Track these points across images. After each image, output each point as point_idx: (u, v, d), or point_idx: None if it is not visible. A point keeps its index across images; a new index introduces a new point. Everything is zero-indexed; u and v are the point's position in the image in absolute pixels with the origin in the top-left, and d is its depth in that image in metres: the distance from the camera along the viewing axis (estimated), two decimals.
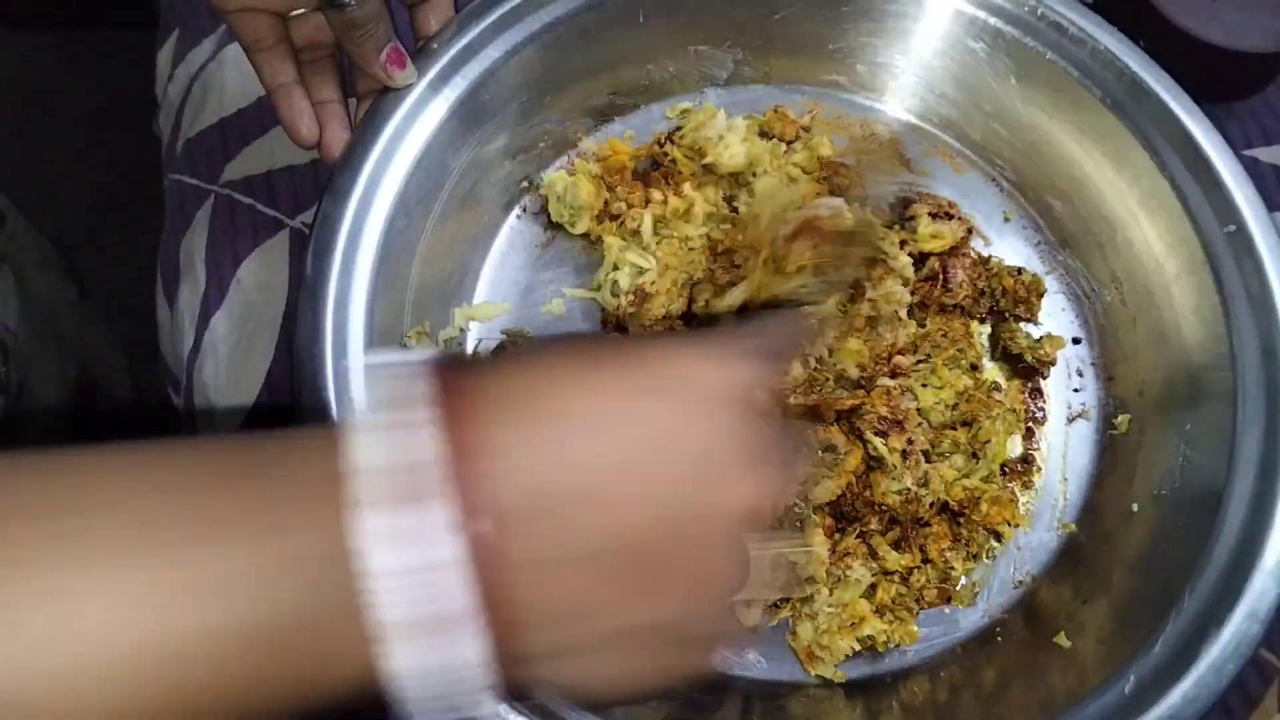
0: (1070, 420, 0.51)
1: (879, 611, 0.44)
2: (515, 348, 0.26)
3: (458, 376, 0.23)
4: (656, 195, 0.51)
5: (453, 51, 0.46)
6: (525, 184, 0.53)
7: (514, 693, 0.23)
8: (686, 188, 0.52)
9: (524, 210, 0.53)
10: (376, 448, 0.21)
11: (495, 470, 0.22)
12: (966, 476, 0.47)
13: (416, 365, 0.23)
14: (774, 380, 0.29)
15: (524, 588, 0.22)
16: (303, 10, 0.42)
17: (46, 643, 0.19)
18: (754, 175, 0.52)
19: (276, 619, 0.21)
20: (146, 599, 0.20)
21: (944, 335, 0.49)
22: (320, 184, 0.54)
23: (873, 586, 0.44)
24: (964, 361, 0.49)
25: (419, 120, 0.45)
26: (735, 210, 0.52)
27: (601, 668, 0.24)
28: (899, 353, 0.48)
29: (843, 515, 0.45)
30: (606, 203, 0.52)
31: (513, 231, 0.52)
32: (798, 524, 0.44)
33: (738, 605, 0.27)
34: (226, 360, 0.52)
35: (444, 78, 0.46)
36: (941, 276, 0.50)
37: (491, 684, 0.22)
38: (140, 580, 0.20)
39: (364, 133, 0.44)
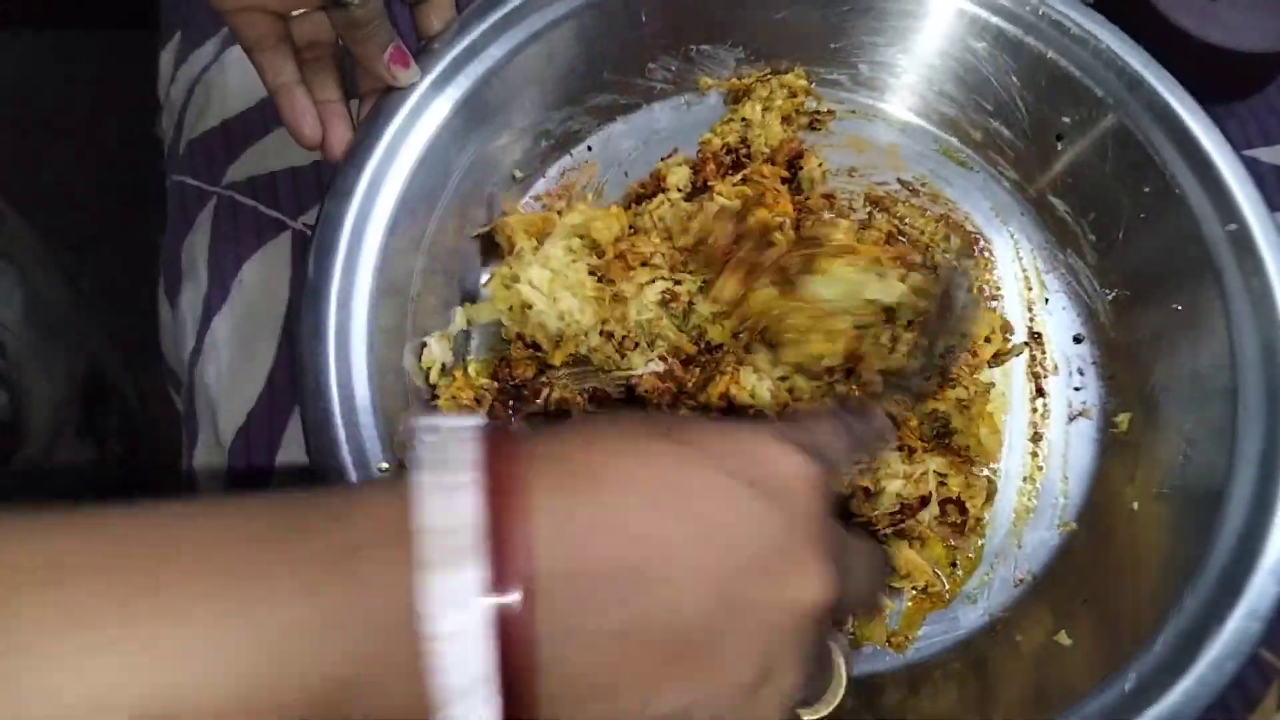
0: (1071, 419, 0.51)
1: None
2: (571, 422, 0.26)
3: (506, 439, 0.22)
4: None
5: (455, 51, 0.46)
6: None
7: None
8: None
9: None
10: (434, 510, 0.21)
11: (534, 534, 0.21)
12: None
13: (465, 428, 0.23)
14: (838, 479, 0.27)
15: (547, 659, 0.21)
16: (304, 9, 0.42)
17: (126, 689, 0.19)
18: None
19: (345, 672, 0.20)
20: (227, 650, 0.20)
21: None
22: (322, 185, 0.54)
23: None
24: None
25: (421, 120, 0.45)
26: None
27: None
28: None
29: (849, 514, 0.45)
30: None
31: None
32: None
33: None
34: (228, 362, 0.52)
35: (446, 77, 0.46)
36: None
37: None
38: (222, 631, 0.20)
39: (367, 132, 0.44)
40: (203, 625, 0.20)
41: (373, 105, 0.45)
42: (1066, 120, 0.52)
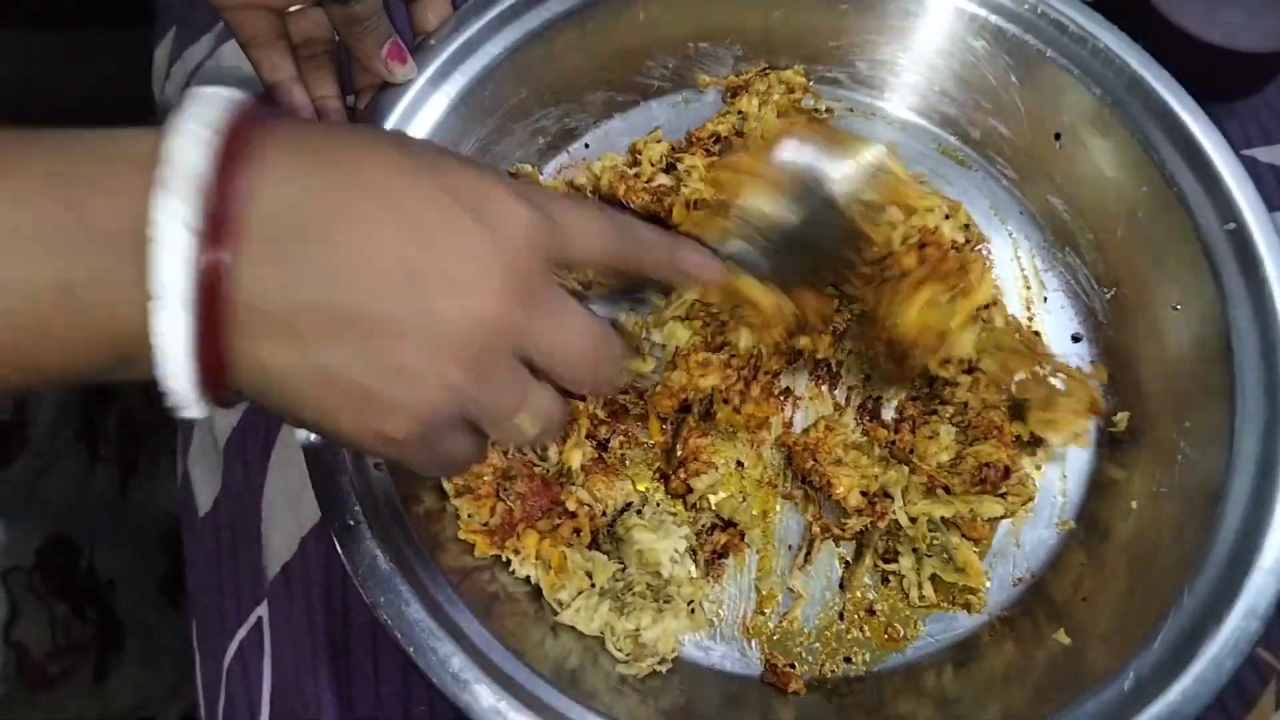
0: None
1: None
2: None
3: (259, 113, 0.25)
4: None
5: (452, 47, 0.46)
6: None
7: (222, 386, 0.25)
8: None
9: None
10: (178, 148, 0.24)
11: (257, 190, 0.24)
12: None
13: (224, 96, 0.25)
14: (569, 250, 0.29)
15: (246, 299, 0.24)
16: (301, 5, 0.41)
17: None
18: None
19: (74, 274, 0.23)
20: None
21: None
22: None
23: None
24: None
25: (418, 116, 0.45)
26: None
27: (306, 399, 0.26)
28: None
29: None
30: None
31: None
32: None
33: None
34: None
35: (443, 74, 0.46)
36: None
37: (197, 372, 0.24)
38: None
39: None
40: None
41: (369, 101, 0.45)
42: (1065, 119, 0.52)
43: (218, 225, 0.23)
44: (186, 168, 0.23)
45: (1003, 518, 0.46)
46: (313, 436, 0.39)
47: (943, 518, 0.44)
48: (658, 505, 0.45)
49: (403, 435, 0.26)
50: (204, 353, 0.24)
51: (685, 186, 0.48)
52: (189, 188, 0.23)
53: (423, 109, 0.45)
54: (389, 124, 0.44)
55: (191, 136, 0.24)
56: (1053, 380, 0.47)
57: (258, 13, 0.41)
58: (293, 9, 0.42)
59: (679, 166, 0.50)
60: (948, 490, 0.45)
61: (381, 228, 0.25)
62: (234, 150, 0.24)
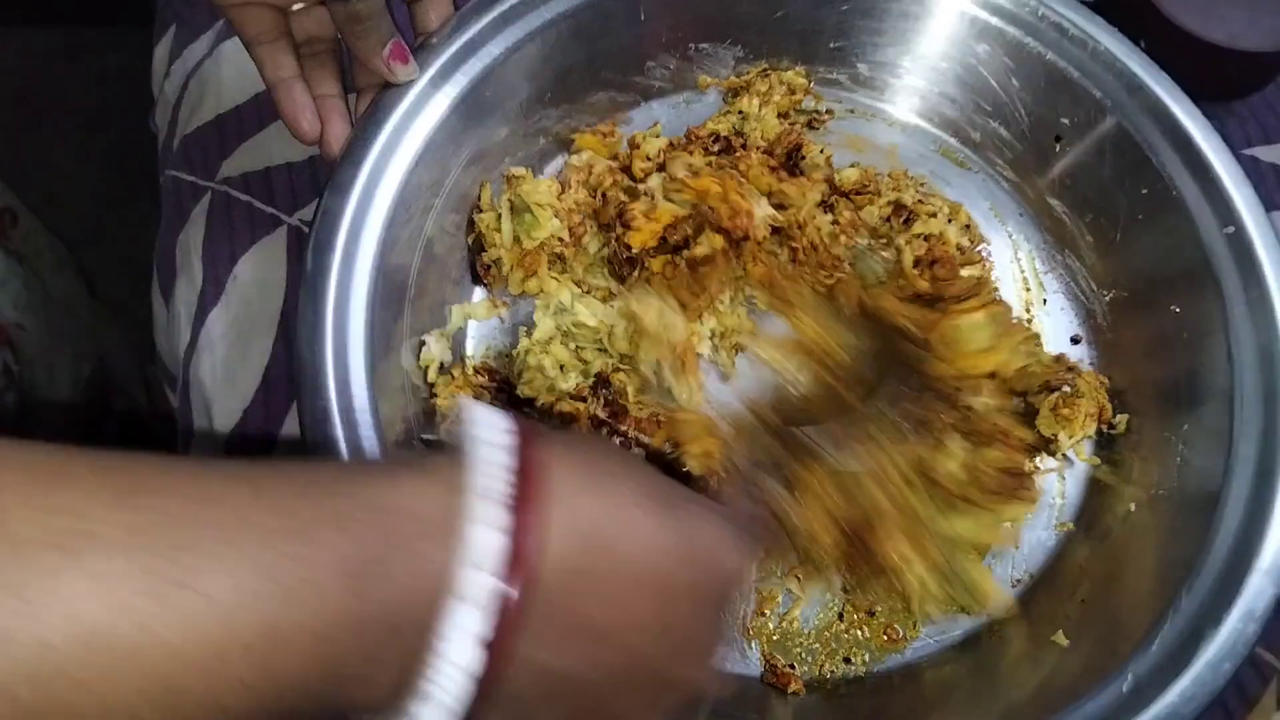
0: None
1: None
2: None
3: (536, 450, 0.25)
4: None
5: (454, 48, 0.46)
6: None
7: None
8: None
9: None
10: (483, 538, 0.23)
11: (548, 542, 0.24)
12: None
13: (502, 430, 0.25)
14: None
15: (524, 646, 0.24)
16: (303, 4, 0.41)
17: (172, 617, 0.20)
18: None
19: (342, 637, 0.22)
20: (259, 588, 0.21)
21: None
22: (318, 181, 0.54)
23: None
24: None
25: (420, 116, 0.45)
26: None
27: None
28: None
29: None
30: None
31: None
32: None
33: None
34: (223, 358, 0.52)
35: (445, 74, 0.46)
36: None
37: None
38: (253, 569, 0.21)
39: (365, 128, 0.44)
40: (241, 564, 0.21)
41: (371, 101, 0.45)
42: (1065, 122, 0.52)
43: (511, 563, 0.23)
44: (487, 557, 0.23)
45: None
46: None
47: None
48: None
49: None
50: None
51: (658, 199, 0.49)
52: (484, 592, 0.23)
53: (424, 109, 0.45)
54: (390, 124, 0.44)
55: (485, 522, 0.23)
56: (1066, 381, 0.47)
57: (261, 11, 0.41)
58: (296, 7, 0.42)
59: (664, 169, 0.51)
60: (968, 501, 0.44)
61: (641, 597, 0.26)
62: (525, 528, 0.23)
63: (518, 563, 0.23)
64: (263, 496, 0.22)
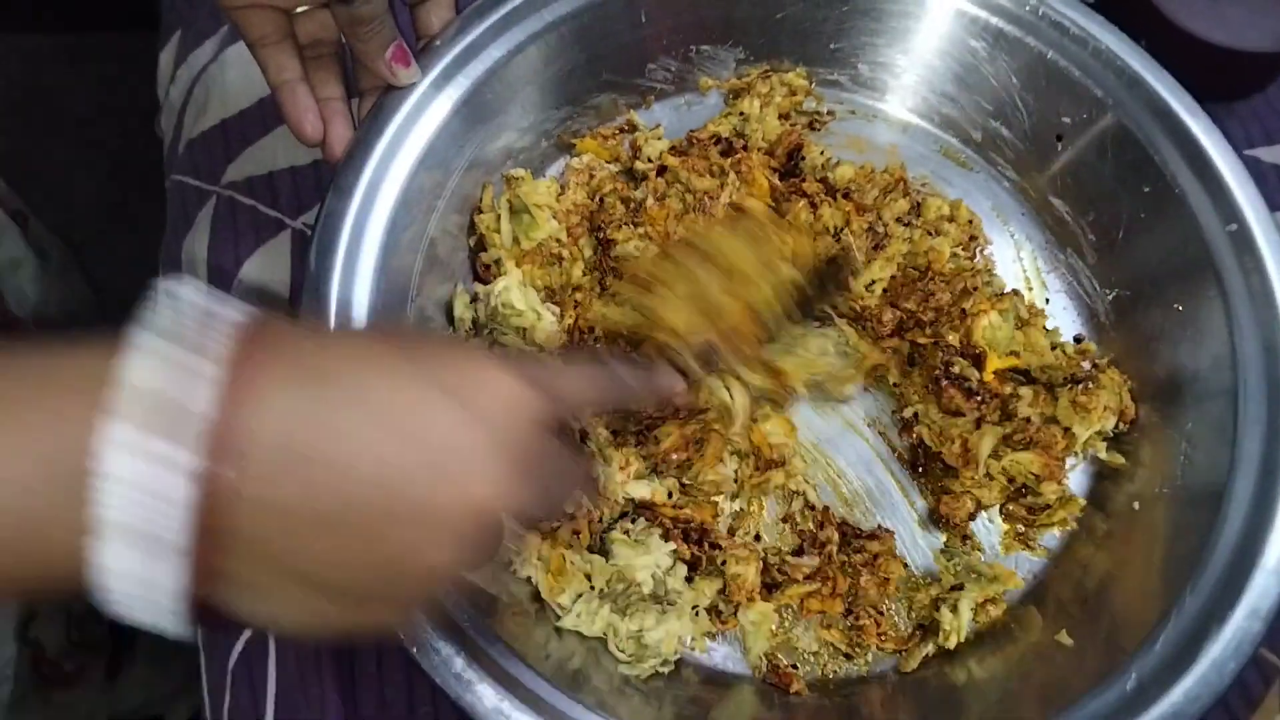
0: None
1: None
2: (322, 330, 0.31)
3: (259, 334, 0.25)
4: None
5: (456, 50, 0.46)
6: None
7: (206, 615, 0.25)
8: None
9: None
10: (152, 372, 0.23)
11: (257, 423, 0.24)
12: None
13: (223, 315, 0.25)
14: (563, 417, 0.31)
15: (245, 527, 0.24)
16: (307, 7, 0.42)
17: None
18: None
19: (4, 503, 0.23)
20: None
21: None
22: (322, 185, 0.54)
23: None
24: None
25: (422, 119, 0.45)
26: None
27: (292, 607, 0.26)
28: None
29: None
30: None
31: None
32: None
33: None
34: None
35: (447, 76, 0.46)
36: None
37: (183, 608, 0.24)
38: None
39: (367, 131, 0.44)
40: None
41: (373, 104, 0.45)
42: (1066, 120, 0.52)
43: (215, 469, 0.23)
44: (185, 407, 0.23)
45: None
46: None
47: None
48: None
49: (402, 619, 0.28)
50: (193, 589, 0.24)
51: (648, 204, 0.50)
52: (190, 430, 0.23)
53: (426, 112, 0.45)
54: (392, 126, 0.44)
55: (189, 371, 0.24)
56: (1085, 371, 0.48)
57: (265, 13, 0.41)
58: (299, 10, 0.42)
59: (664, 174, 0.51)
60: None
61: (370, 439, 0.25)
62: (237, 390, 0.24)
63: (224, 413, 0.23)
64: None
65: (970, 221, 0.53)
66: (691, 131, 0.54)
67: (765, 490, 0.47)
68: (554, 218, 0.50)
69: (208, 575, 0.24)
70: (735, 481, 0.46)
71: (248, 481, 0.24)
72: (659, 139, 0.54)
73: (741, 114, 0.54)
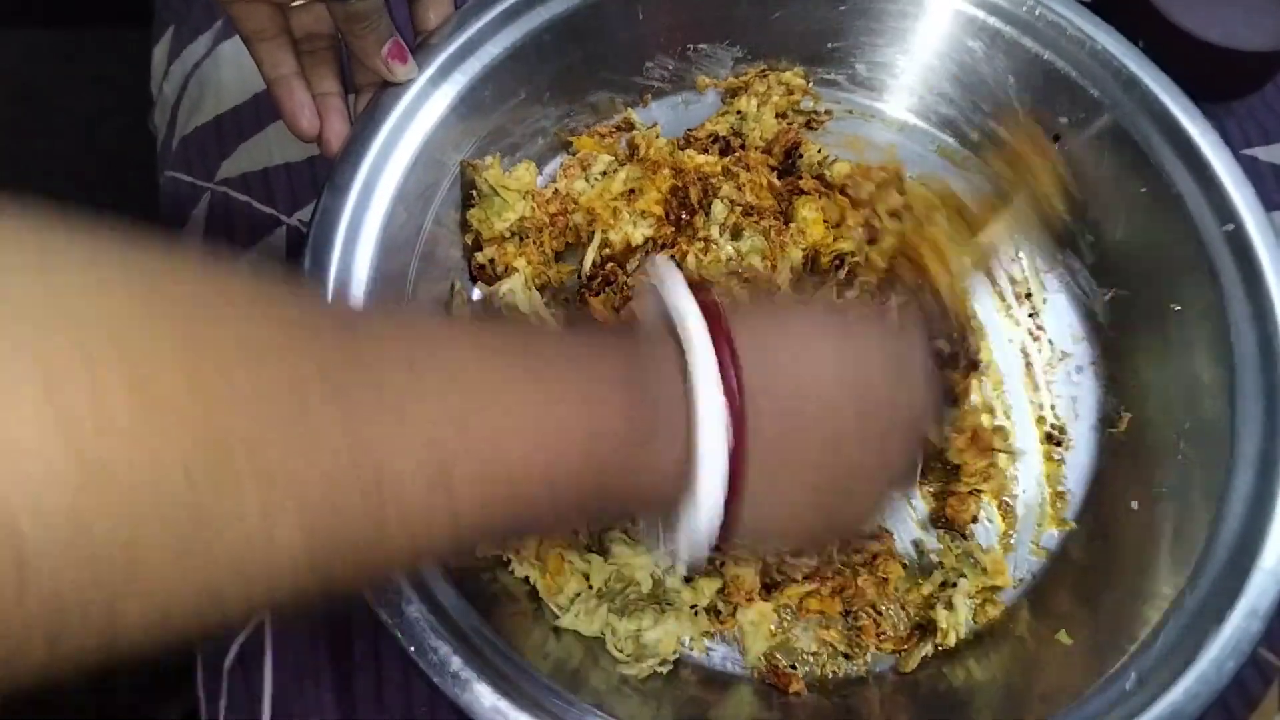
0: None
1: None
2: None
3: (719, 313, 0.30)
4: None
5: (453, 47, 0.46)
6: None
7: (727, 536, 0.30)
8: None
9: None
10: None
11: (742, 366, 0.29)
12: None
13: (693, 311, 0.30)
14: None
15: (754, 446, 0.29)
16: (303, 1, 0.41)
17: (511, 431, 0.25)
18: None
19: (642, 421, 0.28)
20: (571, 402, 0.27)
21: None
22: (317, 182, 0.54)
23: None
24: None
25: (419, 115, 0.45)
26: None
27: (786, 511, 0.31)
28: None
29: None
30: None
31: None
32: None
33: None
34: None
35: (444, 73, 0.46)
36: None
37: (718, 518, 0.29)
38: (564, 389, 0.27)
39: (364, 127, 0.44)
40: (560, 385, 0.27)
41: (370, 100, 0.45)
42: (1063, 120, 0.52)
43: (733, 400, 0.28)
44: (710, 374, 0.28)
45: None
46: None
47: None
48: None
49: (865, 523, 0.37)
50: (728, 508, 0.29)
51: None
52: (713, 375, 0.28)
53: (423, 108, 0.45)
54: (389, 123, 0.44)
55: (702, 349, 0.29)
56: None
57: (260, 8, 0.41)
58: (295, 4, 0.42)
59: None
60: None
61: (837, 375, 0.31)
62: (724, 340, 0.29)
63: (730, 381, 0.28)
64: (547, 343, 0.30)
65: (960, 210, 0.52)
66: (689, 130, 0.54)
67: None
68: (528, 199, 0.49)
69: (736, 480, 0.29)
70: None
71: (752, 410, 0.28)
72: (657, 137, 0.54)
73: (739, 113, 0.54)
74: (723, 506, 0.29)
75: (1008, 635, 0.45)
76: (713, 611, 0.44)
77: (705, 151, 0.53)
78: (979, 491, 0.47)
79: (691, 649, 0.44)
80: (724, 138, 0.53)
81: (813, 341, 0.31)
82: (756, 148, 0.53)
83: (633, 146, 0.53)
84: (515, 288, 0.48)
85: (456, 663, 0.35)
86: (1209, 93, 0.49)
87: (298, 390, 0.21)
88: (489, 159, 0.49)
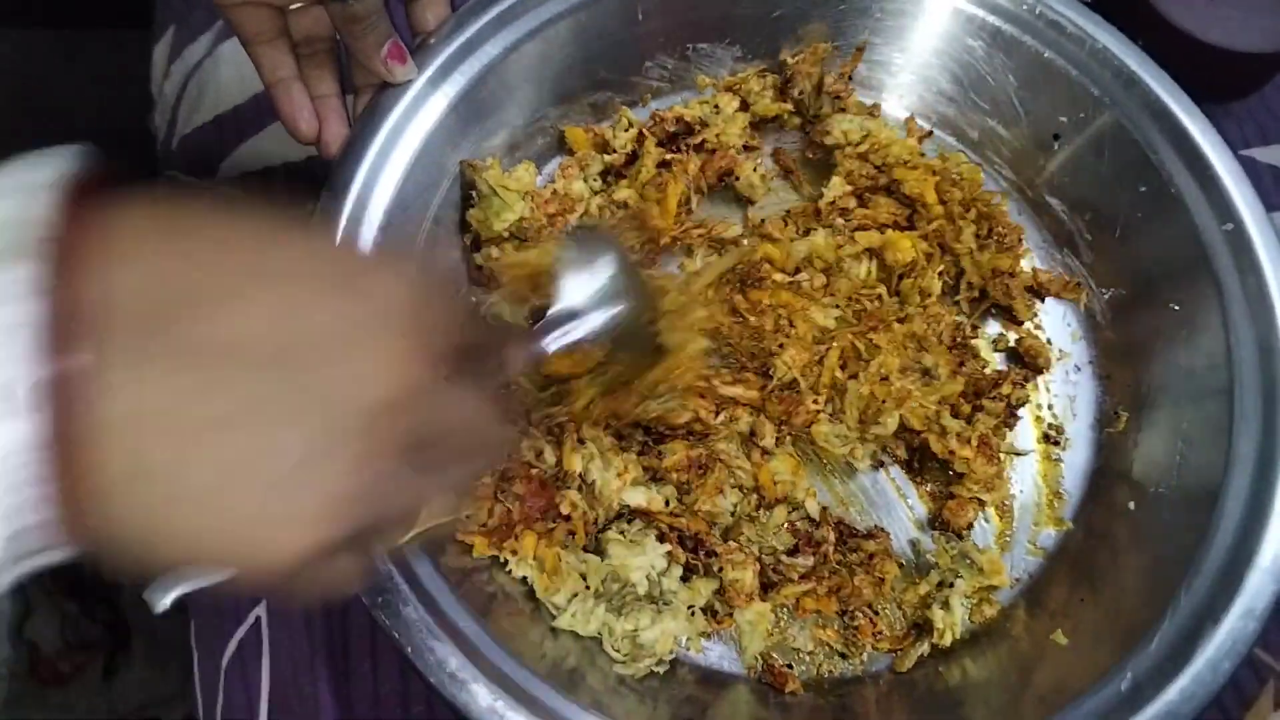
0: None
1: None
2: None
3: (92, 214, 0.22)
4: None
5: (452, 48, 0.46)
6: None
7: (83, 534, 0.22)
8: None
9: None
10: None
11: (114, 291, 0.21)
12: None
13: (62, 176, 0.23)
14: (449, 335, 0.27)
15: (110, 418, 0.21)
16: (301, 3, 0.41)
17: None
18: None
19: None
20: None
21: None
22: (316, 181, 0.53)
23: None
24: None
25: (417, 116, 0.45)
26: None
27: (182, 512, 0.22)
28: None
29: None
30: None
31: None
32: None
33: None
34: None
35: (443, 74, 0.46)
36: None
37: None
38: None
39: (363, 128, 0.44)
40: None
41: (369, 101, 0.45)
42: (1063, 119, 0.52)
43: (64, 328, 0.20)
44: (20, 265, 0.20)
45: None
46: None
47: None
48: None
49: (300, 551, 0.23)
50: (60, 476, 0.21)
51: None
52: (27, 289, 0.20)
53: (422, 109, 0.45)
54: (388, 124, 0.44)
55: (21, 224, 0.21)
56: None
57: (259, 10, 0.41)
58: (294, 6, 0.42)
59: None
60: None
61: (254, 301, 0.22)
62: (74, 243, 0.21)
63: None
64: None
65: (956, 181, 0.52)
66: (656, 110, 0.54)
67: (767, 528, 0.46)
68: (527, 199, 0.49)
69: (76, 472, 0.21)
70: (732, 515, 0.46)
71: (103, 353, 0.20)
72: (626, 129, 0.53)
73: (716, 107, 0.54)
74: None
75: (1004, 635, 0.45)
76: (709, 611, 0.44)
77: (663, 144, 0.52)
78: (981, 500, 0.46)
79: (688, 648, 0.44)
80: (686, 122, 0.52)
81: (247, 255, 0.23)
82: (710, 149, 0.53)
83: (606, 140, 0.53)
84: (501, 302, 0.47)
85: (454, 663, 0.36)
86: (1208, 93, 0.49)
87: None
88: (488, 159, 0.49)
